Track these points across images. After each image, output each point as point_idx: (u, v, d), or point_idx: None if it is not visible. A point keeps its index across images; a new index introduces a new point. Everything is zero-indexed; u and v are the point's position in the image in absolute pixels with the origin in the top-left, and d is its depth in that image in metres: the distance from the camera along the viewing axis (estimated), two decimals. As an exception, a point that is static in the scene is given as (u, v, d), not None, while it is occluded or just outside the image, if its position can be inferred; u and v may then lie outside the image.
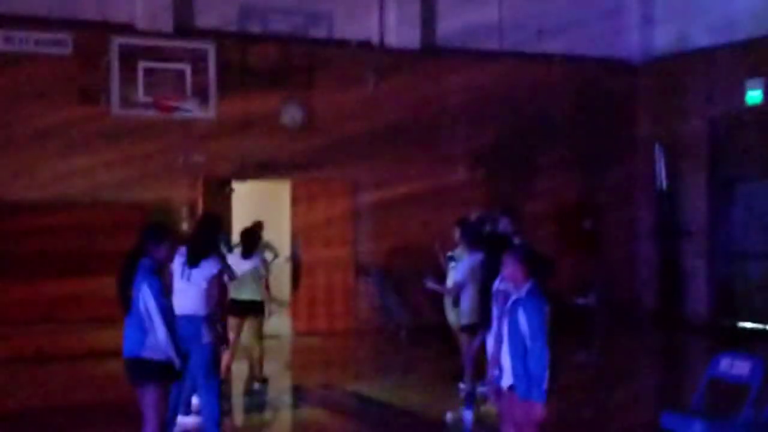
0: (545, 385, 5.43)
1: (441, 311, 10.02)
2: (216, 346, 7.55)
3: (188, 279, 7.47)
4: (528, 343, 5.48)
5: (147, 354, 5.87)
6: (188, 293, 7.42)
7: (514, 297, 5.70)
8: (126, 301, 5.94)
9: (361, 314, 14.39)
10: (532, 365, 5.47)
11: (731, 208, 14.95)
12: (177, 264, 7.52)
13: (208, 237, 7.80)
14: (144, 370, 5.90)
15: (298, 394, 10.73)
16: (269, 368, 10.49)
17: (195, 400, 8.27)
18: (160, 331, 5.84)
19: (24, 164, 12.42)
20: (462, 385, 9.19)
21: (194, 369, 7.55)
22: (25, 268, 11.91)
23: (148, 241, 6.10)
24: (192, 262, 7.53)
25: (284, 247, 14.37)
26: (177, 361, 5.95)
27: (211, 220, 8.18)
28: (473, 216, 10.65)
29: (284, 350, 13.27)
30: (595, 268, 15.51)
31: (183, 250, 7.63)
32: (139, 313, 5.88)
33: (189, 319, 7.28)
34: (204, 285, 7.46)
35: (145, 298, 5.83)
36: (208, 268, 7.50)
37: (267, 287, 10.38)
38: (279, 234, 14.47)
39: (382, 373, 12.14)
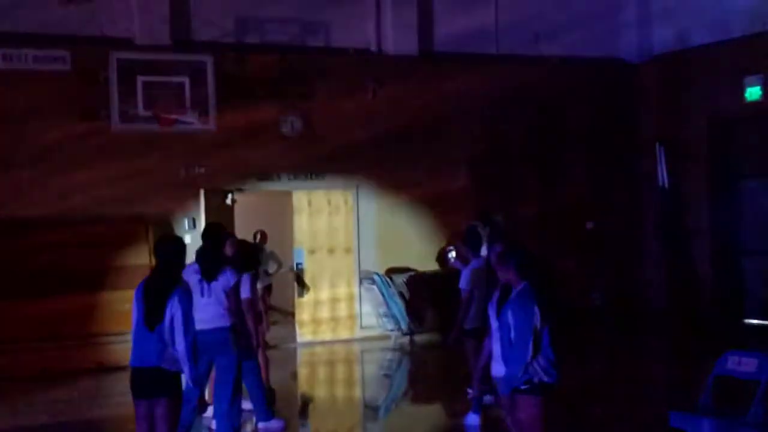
0: (513, 383, 5.61)
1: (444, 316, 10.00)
2: (240, 356, 7.66)
3: (209, 294, 7.59)
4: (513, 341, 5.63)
5: (165, 364, 5.87)
6: (210, 307, 7.58)
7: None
8: (155, 316, 5.88)
9: (366, 322, 14.38)
10: (508, 362, 5.58)
11: (733, 205, 14.94)
12: (193, 281, 7.58)
13: (218, 248, 7.87)
14: (162, 380, 5.89)
15: (306, 404, 10.72)
16: (276, 378, 10.48)
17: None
18: (180, 343, 5.83)
19: (26, 182, 12.43)
20: (470, 391, 9.18)
21: (220, 379, 7.65)
22: (29, 286, 11.88)
23: (175, 256, 6.07)
24: (209, 276, 7.62)
25: (287, 257, 14.38)
26: (190, 380, 5.92)
27: (215, 230, 8.22)
28: (497, 217, 10.71)
29: (290, 360, 13.26)
30: (598, 268, 15.50)
31: (195, 266, 7.68)
32: (163, 327, 5.86)
33: (215, 331, 7.54)
34: (224, 297, 7.58)
35: (174, 308, 5.84)
36: (225, 280, 7.62)
37: (265, 297, 10.47)
38: (282, 244, 14.48)
39: (389, 381, 12.13)
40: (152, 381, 5.89)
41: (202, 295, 7.63)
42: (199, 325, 7.09)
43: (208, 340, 7.49)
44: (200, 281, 7.65)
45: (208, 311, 7.60)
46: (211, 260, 7.71)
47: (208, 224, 9.29)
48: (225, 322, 7.63)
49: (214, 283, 7.66)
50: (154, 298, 5.90)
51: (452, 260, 10.40)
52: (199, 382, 6.01)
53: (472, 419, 8.57)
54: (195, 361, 5.94)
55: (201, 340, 6.80)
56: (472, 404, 8.71)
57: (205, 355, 7.45)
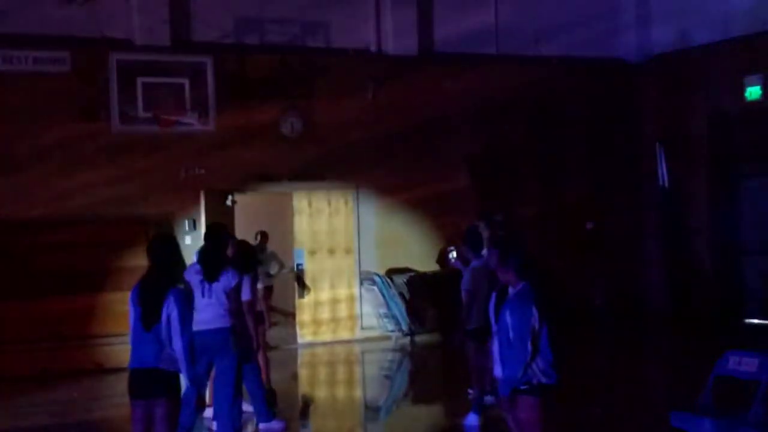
0: (513, 385, 5.59)
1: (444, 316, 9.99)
2: (241, 357, 7.64)
3: (209, 295, 7.57)
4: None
5: (163, 365, 5.86)
6: (211, 308, 7.56)
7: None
8: (152, 317, 5.88)
9: (366, 322, 14.37)
10: (507, 363, 5.58)
11: (734, 205, 14.94)
12: (195, 281, 7.55)
13: (220, 249, 7.84)
14: (160, 380, 5.88)
15: (307, 405, 10.72)
16: (276, 379, 10.48)
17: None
18: (177, 342, 5.82)
19: (26, 183, 12.43)
20: (471, 391, 9.18)
21: (220, 380, 7.64)
22: (29, 287, 11.91)
23: (169, 256, 6.06)
24: (210, 277, 7.60)
25: (288, 258, 14.37)
26: (187, 379, 5.92)
27: (217, 231, 8.17)
28: (498, 217, 10.70)
29: (290, 361, 13.26)
30: (598, 268, 15.49)
31: (197, 266, 7.67)
32: (159, 327, 5.86)
33: (215, 332, 7.50)
34: (224, 298, 7.56)
35: (170, 308, 5.83)
36: (226, 281, 7.61)
37: (266, 297, 10.47)
38: (282, 245, 14.47)
39: (389, 382, 12.13)
40: (151, 382, 5.87)
41: (203, 295, 7.63)
42: (199, 326, 7.10)
43: (208, 341, 7.48)
44: (201, 282, 7.65)
45: (209, 312, 7.61)
46: (212, 261, 7.71)
47: (210, 225, 9.26)
48: (225, 323, 7.63)
49: (215, 284, 7.66)
50: (150, 299, 5.88)
51: (453, 260, 10.37)
52: (197, 382, 5.98)
53: (472, 419, 8.57)
54: (192, 360, 5.92)
55: (201, 340, 6.78)
56: (473, 405, 8.70)
57: (205, 356, 7.44)
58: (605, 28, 16.00)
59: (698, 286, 15.15)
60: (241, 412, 7.94)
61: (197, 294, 7.63)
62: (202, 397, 6.14)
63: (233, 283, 7.66)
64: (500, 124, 15.13)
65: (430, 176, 14.63)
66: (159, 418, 5.92)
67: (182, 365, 5.84)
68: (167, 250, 6.07)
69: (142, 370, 5.91)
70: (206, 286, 7.65)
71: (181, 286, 6.19)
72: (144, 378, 5.90)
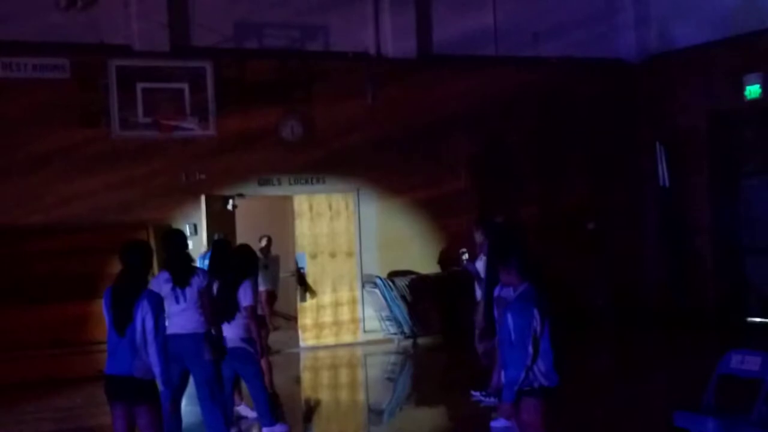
0: (515, 387, 5.56)
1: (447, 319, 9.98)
2: (217, 362, 7.59)
3: (184, 299, 7.48)
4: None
5: (137, 373, 5.85)
6: (187, 313, 7.48)
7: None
8: (125, 320, 5.88)
9: (369, 325, 14.36)
10: (508, 366, 5.57)
11: (735, 204, 14.94)
12: (165, 290, 7.40)
13: (184, 253, 7.77)
14: (137, 388, 5.87)
15: (310, 409, 10.71)
16: (279, 383, 10.49)
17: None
18: (151, 344, 5.80)
19: (26, 189, 12.44)
20: (474, 393, 9.17)
21: (199, 394, 7.58)
22: (30, 293, 11.91)
23: (142, 261, 6.07)
24: (181, 282, 7.52)
25: (290, 262, 14.37)
26: (161, 382, 5.89)
27: (177, 236, 7.99)
28: (498, 218, 10.69)
29: (293, 364, 13.26)
30: (599, 268, 15.48)
31: (165, 275, 7.61)
32: (134, 331, 5.84)
33: (188, 337, 7.41)
34: (199, 300, 7.51)
35: (144, 311, 5.81)
36: (197, 284, 7.55)
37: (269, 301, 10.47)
38: (284, 248, 14.47)
39: (392, 384, 12.13)
40: (129, 389, 5.87)
41: (177, 301, 7.47)
42: (174, 330, 7.09)
43: (180, 346, 7.34)
44: (173, 289, 7.49)
45: (184, 316, 7.45)
46: (179, 266, 7.63)
47: (165, 232, 9.19)
48: (200, 328, 7.51)
49: (188, 288, 7.56)
50: (122, 302, 5.89)
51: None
52: (170, 385, 5.96)
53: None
54: (166, 362, 5.91)
55: (174, 345, 6.74)
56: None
57: (178, 362, 7.28)
58: (604, 28, 16.01)
59: (700, 285, 15.14)
60: (225, 417, 7.83)
61: (170, 302, 7.36)
62: (176, 402, 6.13)
63: (204, 283, 7.63)
64: (500, 125, 15.13)
65: (430, 178, 14.64)
66: (143, 426, 5.91)
67: (156, 369, 5.82)
68: (140, 254, 6.07)
69: (118, 377, 5.91)
70: (179, 291, 7.53)
71: (155, 290, 6.18)
72: (121, 384, 5.90)
